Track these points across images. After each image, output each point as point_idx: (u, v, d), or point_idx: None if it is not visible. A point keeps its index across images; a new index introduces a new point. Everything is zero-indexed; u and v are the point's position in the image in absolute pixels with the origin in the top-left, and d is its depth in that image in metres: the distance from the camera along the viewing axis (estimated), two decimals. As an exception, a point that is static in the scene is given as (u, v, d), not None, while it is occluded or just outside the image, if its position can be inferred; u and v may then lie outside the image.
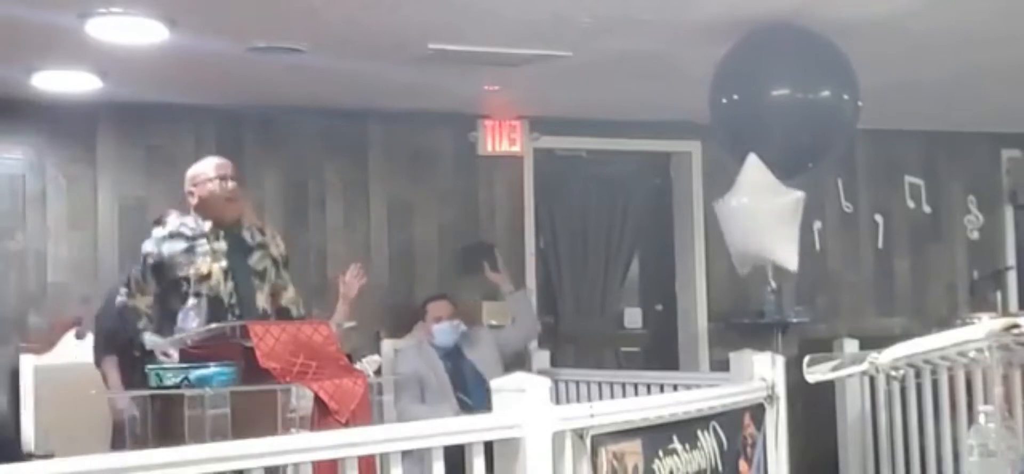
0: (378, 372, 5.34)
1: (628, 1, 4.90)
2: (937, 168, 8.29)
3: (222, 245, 4.55)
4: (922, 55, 5.81)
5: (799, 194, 5.35)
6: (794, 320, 7.51)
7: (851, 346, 6.66)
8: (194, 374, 4.09)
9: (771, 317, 7.44)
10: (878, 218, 8.14)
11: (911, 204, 8.23)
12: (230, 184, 4.59)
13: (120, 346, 5.33)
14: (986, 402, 3.27)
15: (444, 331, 6.30)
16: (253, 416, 4.00)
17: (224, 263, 4.51)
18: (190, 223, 4.58)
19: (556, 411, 3.58)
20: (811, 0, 4.90)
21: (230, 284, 4.51)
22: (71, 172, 6.47)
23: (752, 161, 5.25)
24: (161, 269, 4.52)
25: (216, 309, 4.45)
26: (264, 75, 5.86)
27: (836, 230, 8.01)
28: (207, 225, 4.55)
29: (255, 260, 4.63)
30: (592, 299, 7.69)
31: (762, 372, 4.66)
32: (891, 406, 5.69)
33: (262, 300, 4.60)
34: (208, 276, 4.47)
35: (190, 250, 4.49)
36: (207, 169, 4.62)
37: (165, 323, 4.50)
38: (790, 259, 5.42)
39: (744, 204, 5.36)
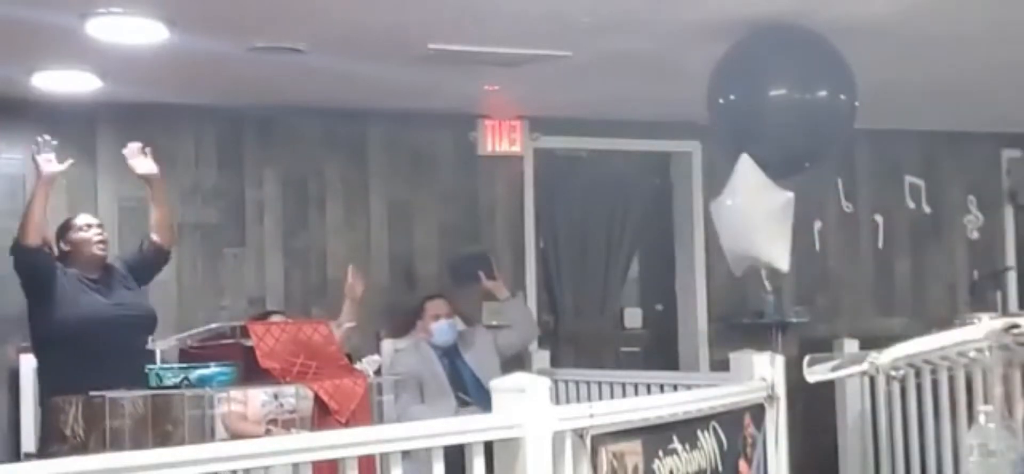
0: (378, 372, 5.35)
1: (628, 1, 4.90)
2: (937, 168, 8.28)
3: None
4: (922, 55, 5.81)
5: (789, 195, 5.36)
6: (794, 320, 7.51)
7: (851, 346, 6.68)
8: (194, 374, 4.09)
9: (771, 317, 7.44)
10: (878, 218, 8.14)
11: (911, 204, 8.22)
12: None
13: None
14: (986, 402, 3.27)
15: (443, 330, 6.30)
16: None
17: None
18: None
19: (556, 411, 3.58)
20: (811, 0, 4.90)
21: None
22: (71, 172, 6.45)
23: (744, 161, 5.26)
24: None
25: None
26: (264, 75, 5.86)
27: (836, 230, 8.00)
28: None
29: None
30: (592, 299, 7.68)
31: (762, 372, 4.67)
32: (891, 406, 5.69)
33: None
34: None
35: None
36: None
37: None
38: (781, 259, 5.43)
39: (736, 204, 5.36)
